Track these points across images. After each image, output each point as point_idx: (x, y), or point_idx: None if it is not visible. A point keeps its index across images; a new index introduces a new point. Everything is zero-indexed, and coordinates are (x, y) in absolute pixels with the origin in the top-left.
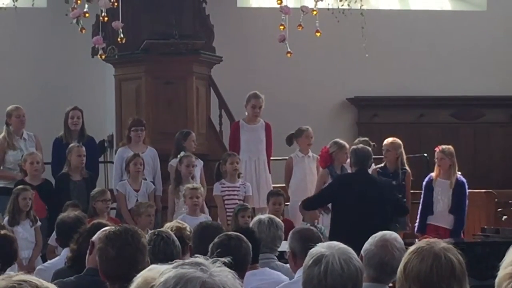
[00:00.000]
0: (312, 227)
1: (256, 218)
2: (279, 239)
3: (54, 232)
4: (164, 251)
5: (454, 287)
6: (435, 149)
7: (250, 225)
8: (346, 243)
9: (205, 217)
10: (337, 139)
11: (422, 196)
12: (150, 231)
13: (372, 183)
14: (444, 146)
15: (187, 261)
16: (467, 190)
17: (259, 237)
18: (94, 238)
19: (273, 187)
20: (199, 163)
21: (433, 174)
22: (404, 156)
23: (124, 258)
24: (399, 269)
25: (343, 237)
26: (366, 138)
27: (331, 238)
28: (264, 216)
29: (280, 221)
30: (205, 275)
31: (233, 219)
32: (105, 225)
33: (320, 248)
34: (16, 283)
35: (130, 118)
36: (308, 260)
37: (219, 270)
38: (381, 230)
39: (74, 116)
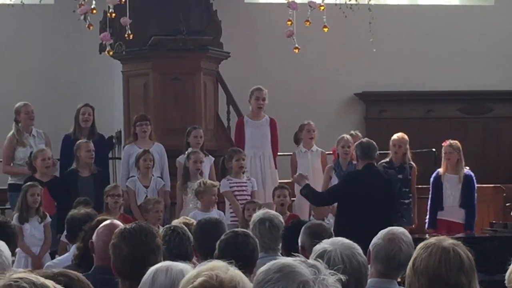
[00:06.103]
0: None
1: (256, 218)
2: (280, 239)
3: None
4: (178, 247)
5: (462, 280)
6: (443, 143)
7: (251, 226)
8: (354, 239)
9: (217, 212)
10: (344, 134)
11: (430, 192)
12: (163, 227)
13: (383, 177)
14: (451, 141)
15: (309, 261)
16: (476, 184)
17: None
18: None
19: (280, 183)
20: (209, 160)
21: (440, 170)
22: (409, 151)
23: (137, 257)
24: (408, 265)
25: (353, 233)
26: (352, 132)
27: (338, 234)
28: (264, 217)
29: (280, 220)
30: (311, 277)
31: (241, 215)
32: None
33: (324, 244)
34: (13, 281)
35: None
36: (312, 256)
37: (327, 282)
38: (391, 224)
39: (86, 112)
